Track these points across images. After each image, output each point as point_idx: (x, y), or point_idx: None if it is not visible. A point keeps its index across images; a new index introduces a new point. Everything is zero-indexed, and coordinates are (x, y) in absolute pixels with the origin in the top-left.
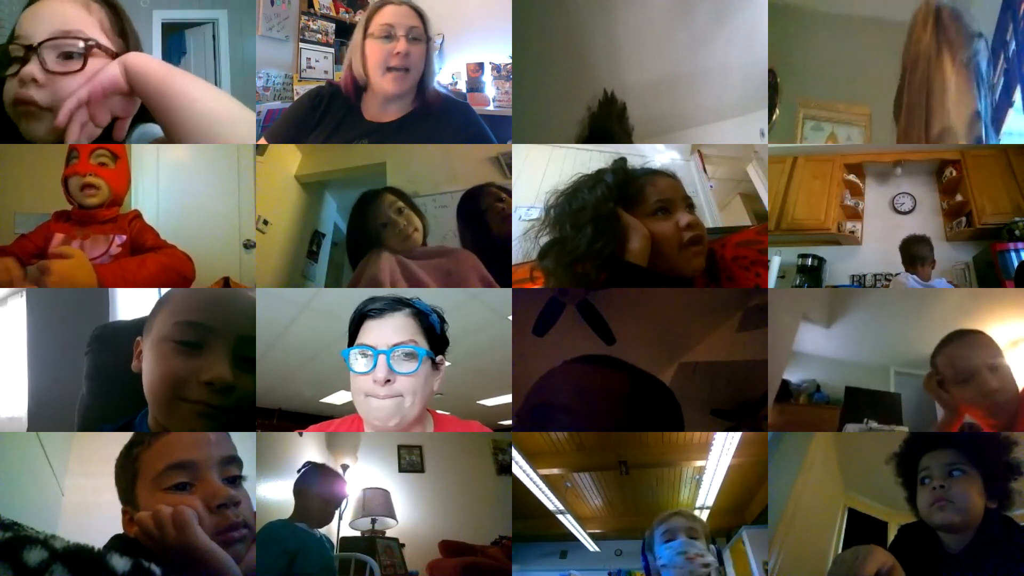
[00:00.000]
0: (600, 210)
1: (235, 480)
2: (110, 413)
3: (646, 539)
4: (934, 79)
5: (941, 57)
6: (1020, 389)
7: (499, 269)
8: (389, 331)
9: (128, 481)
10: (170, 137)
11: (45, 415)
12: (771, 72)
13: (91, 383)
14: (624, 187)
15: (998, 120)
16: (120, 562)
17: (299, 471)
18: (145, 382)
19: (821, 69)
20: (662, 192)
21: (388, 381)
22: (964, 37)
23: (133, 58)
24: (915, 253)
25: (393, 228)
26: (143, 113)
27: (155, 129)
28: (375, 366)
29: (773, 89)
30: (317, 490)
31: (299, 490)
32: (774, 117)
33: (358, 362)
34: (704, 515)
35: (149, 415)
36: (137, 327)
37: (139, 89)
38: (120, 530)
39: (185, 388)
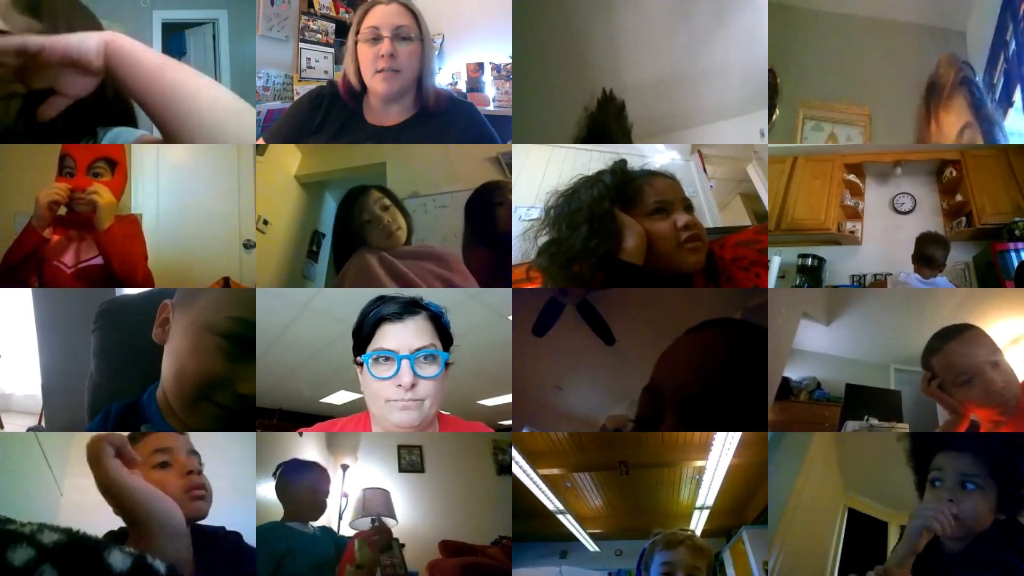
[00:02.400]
0: (595, 210)
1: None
2: (119, 390)
3: (645, 555)
4: (937, 113)
5: (951, 95)
6: (1022, 382)
7: (505, 263)
8: (410, 336)
9: None
10: (167, 136)
11: (59, 393)
12: (771, 72)
13: (99, 360)
14: (622, 187)
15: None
16: (119, 558)
17: (273, 475)
18: (172, 365)
19: (821, 69)
20: (660, 193)
21: (413, 386)
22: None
23: (119, 39)
24: (927, 253)
25: (376, 224)
26: (119, 116)
27: (131, 133)
28: (398, 371)
29: (773, 89)
30: (298, 484)
31: (280, 489)
32: (774, 117)
33: (379, 367)
34: (704, 515)
35: (159, 391)
36: (144, 301)
37: (122, 76)
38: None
39: (218, 392)
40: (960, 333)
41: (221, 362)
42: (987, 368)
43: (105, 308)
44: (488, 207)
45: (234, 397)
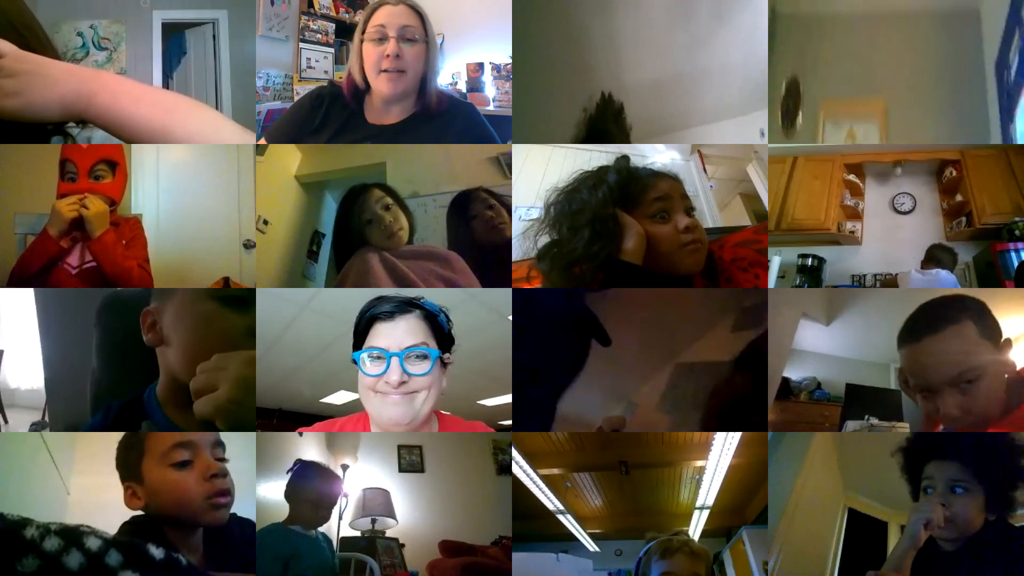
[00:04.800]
0: (599, 213)
1: (222, 460)
2: (122, 385)
3: (641, 564)
4: None
5: None
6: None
7: (484, 277)
8: (401, 334)
9: (135, 458)
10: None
11: (61, 387)
12: (795, 81)
13: (101, 356)
14: (626, 187)
15: (1014, 97)
16: (157, 551)
17: (289, 471)
18: (185, 351)
19: (840, 69)
20: (662, 194)
21: (402, 383)
22: None
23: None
24: (934, 254)
25: (378, 224)
26: None
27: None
28: (388, 369)
29: (797, 96)
30: (309, 492)
31: (290, 492)
32: (798, 122)
33: (370, 365)
34: (704, 515)
35: (160, 388)
36: (146, 297)
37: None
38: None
39: (238, 343)
40: (942, 326)
41: (230, 316)
42: (954, 391)
43: (107, 303)
44: (464, 220)
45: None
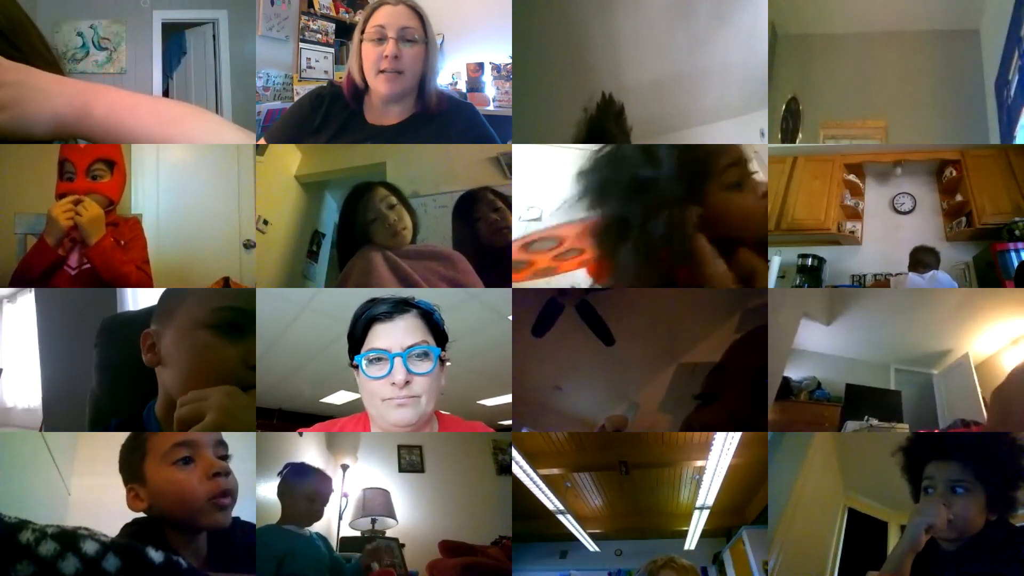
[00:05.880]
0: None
1: (224, 458)
2: (119, 405)
3: None
4: None
5: None
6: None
7: (489, 278)
8: (401, 333)
9: (137, 459)
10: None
11: (59, 406)
12: (794, 100)
13: (100, 376)
14: (688, 167)
15: (1014, 116)
16: (156, 555)
17: (279, 474)
18: (177, 377)
19: (841, 89)
20: (734, 159)
21: (407, 383)
22: None
23: (103, 106)
24: (919, 258)
25: (382, 223)
26: None
27: None
28: (392, 369)
29: (796, 116)
30: (299, 490)
31: (282, 492)
32: (797, 142)
33: (373, 367)
34: (704, 515)
35: (158, 406)
36: (146, 318)
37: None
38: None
39: (232, 374)
40: None
41: (223, 346)
42: None
43: (107, 325)
44: (469, 220)
45: (247, 372)
